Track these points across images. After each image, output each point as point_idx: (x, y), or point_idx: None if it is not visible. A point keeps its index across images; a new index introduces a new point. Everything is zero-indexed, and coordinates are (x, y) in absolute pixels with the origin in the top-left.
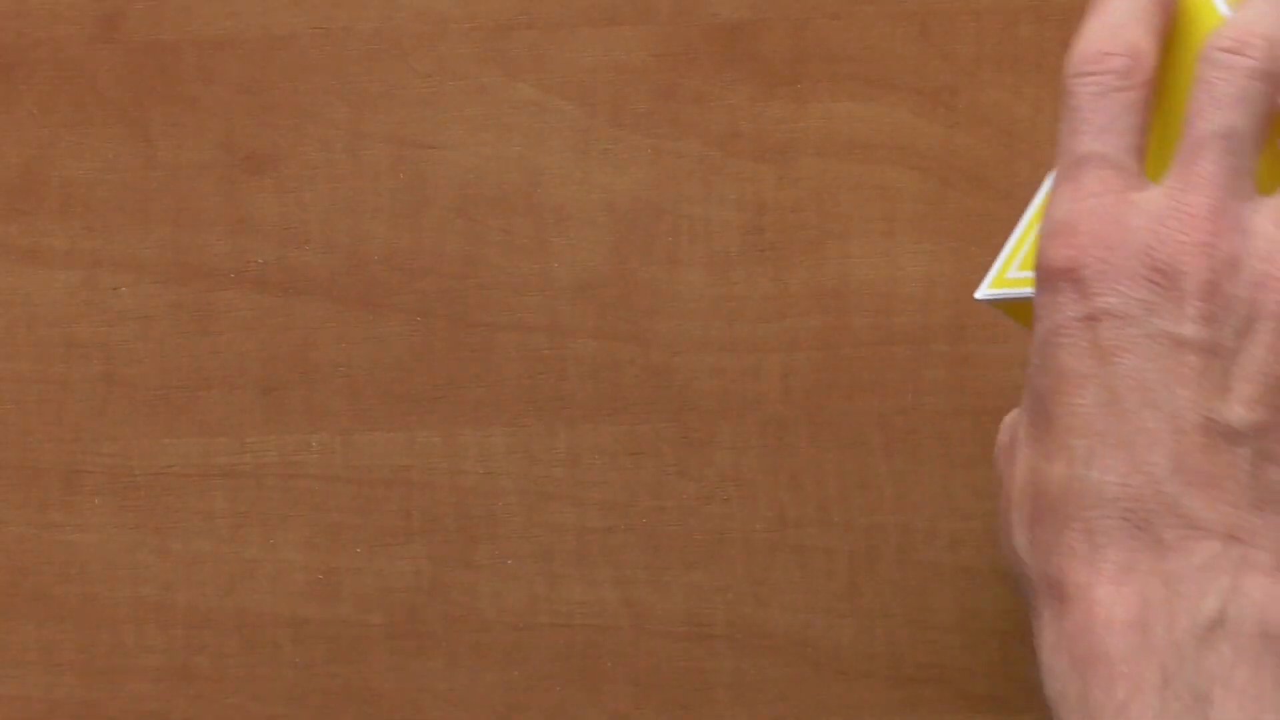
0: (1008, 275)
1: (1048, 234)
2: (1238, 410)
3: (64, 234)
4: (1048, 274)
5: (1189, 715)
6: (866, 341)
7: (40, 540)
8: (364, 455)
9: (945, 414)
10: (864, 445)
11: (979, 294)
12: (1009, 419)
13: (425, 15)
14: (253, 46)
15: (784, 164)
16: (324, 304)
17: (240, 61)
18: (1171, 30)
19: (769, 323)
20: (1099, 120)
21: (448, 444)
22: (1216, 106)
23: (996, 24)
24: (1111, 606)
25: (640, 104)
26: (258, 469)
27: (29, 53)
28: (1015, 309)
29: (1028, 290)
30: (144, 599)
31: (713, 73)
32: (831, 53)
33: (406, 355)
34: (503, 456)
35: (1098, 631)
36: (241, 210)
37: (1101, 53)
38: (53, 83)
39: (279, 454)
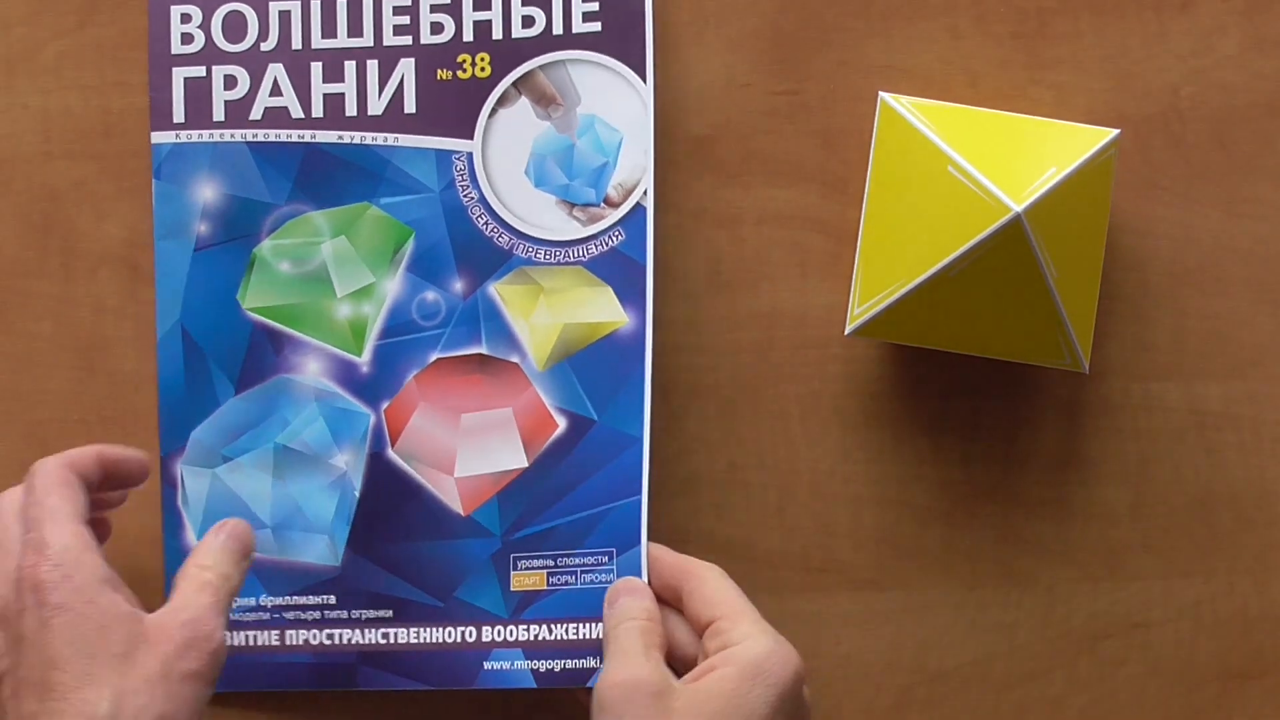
0: (855, 313)
1: None
2: None
3: None
4: None
5: None
6: (787, 348)
7: None
8: None
9: (841, 395)
10: (786, 417)
11: (847, 331)
12: None
13: None
14: None
15: (734, 229)
16: None
17: None
18: (889, 156)
19: (723, 335)
20: None
21: None
22: None
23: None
24: None
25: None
26: None
27: None
28: (873, 329)
29: (869, 316)
30: None
31: (686, 169)
32: (766, 157)
33: None
34: None
35: None
36: None
37: None
38: None
39: None
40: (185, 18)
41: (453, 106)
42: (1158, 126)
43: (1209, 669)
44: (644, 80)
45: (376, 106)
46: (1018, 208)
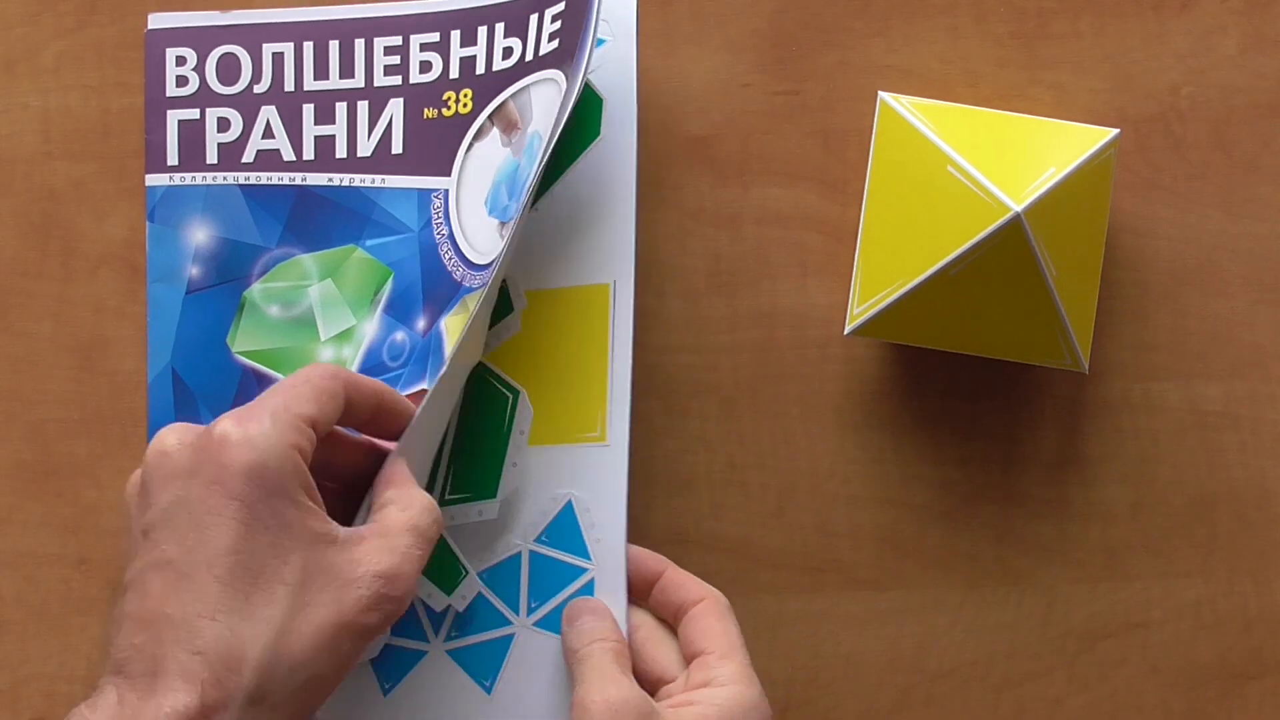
0: (855, 312)
1: None
2: None
3: None
4: None
5: None
6: (788, 347)
7: None
8: None
9: (840, 395)
10: (786, 415)
11: (847, 331)
12: None
13: None
14: None
15: (733, 229)
16: None
17: None
18: (893, 159)
19: (723, 335)
20: None
21: None
22: None
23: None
24: None
25: (638, 190)
26: None
27: None
28: (873, 329)
29: (868, 315)
30: None
31: (686, 169)
32: (764, 156)
33: None
34: None
35: None
36: None
37: None
38: None
39: None
40: (180, 60)
41: (436, 145)
42: (1158, 126)
43: (1209, 669)
44: (568, 79)
45: (366, 148)
46: (1017, 207)
